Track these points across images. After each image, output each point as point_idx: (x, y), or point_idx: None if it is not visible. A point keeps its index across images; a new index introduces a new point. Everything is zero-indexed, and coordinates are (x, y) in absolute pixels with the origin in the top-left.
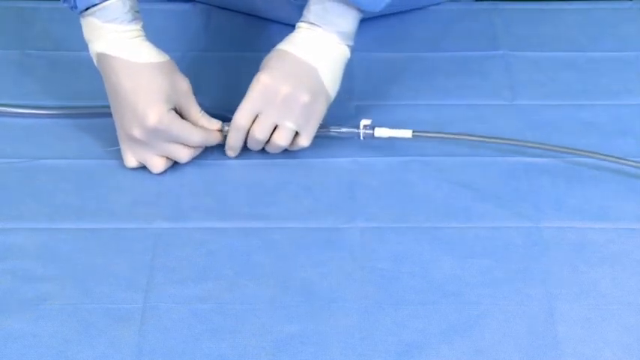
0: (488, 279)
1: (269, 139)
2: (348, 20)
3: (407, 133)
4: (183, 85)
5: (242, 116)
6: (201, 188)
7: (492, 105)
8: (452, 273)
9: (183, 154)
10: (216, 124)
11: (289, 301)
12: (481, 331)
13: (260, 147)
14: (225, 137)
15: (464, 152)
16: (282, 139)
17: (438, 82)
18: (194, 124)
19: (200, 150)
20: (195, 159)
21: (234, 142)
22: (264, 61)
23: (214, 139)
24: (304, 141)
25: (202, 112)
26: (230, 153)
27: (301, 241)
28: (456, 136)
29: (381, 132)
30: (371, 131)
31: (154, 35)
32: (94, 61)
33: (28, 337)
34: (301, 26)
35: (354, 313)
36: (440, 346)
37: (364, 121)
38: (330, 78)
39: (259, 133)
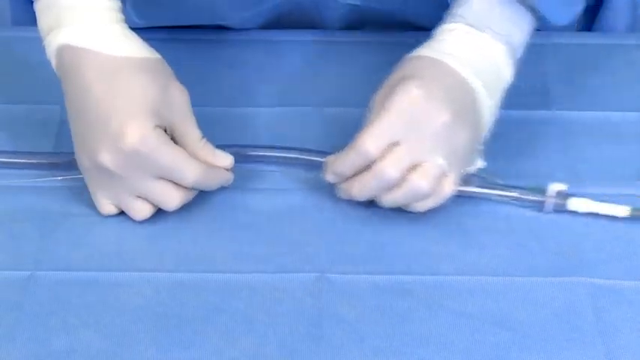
0: None
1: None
2: (523, 29)
3: (621, 211)
4: (179, 96)
5: (373, 140)
6: None
7: None
8: None
9: (172, 198)
10: (224, 158)
11: None
12: None
13: (374, 193)
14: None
15: None
16: (427, 179)
17: None
18: (191, 155)
19: (194, 194)
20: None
21: (344, 168)
22: (405, 67)
23: (220, 178)
24: (450, 185)
25: (204, 139)
26: (330, 178)
27: None
28: None
29: (580, 205)
30: (562, 201)
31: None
32: (53, 63)
33: None
34: (455, 28)
35: None
36: None
37: (556, 186)
38: (491, 110)
39: (394, 169)
